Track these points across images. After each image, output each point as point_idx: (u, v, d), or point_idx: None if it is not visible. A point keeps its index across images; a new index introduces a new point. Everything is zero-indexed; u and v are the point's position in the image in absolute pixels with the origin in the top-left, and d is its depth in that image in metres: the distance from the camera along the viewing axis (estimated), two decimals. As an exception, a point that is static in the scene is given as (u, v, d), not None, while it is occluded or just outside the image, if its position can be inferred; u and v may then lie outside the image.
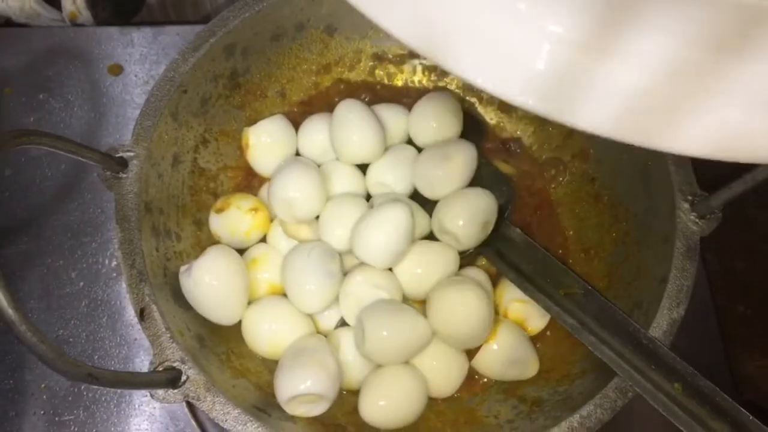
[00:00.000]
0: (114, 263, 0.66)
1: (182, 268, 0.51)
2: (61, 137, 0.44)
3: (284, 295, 0.53)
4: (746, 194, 0.46)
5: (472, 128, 0.61)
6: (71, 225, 0.67)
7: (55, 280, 0.65)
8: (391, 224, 0.50)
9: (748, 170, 0.44)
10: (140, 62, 0.75)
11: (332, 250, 0.53)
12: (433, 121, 0.59)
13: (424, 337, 0.50)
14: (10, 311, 0.33)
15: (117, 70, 0.74)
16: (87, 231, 0.67)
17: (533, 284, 0.52)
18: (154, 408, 0.60)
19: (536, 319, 0.54)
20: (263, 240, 0.57)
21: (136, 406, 0.60)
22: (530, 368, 0.52)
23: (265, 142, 0.58)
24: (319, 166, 0.57)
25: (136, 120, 0.52)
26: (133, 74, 0.74)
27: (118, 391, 0.60)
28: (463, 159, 0.55)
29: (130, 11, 0.82)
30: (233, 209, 0.55)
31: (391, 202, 0.51)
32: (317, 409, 0.48)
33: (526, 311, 0.54)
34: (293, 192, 0.53)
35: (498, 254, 0.55)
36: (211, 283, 0.50)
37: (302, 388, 0.47)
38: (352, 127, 0.56)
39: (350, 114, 0.56)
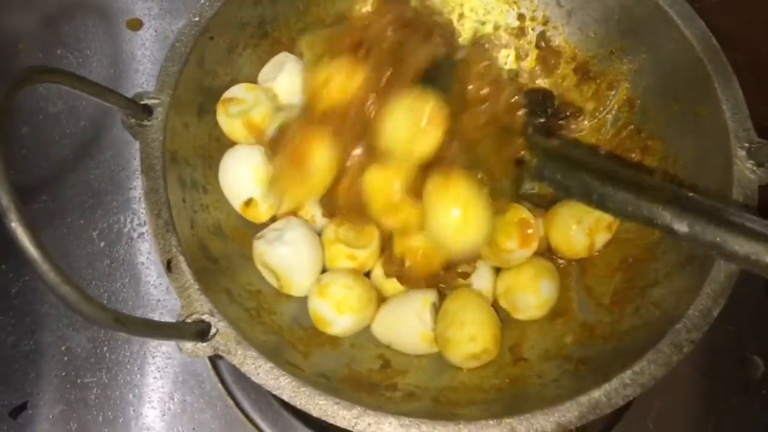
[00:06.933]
0: (136, 222, 0.64)
1: (257, 235, 0.52)
2: (84, 78, 0.42)
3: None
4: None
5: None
6: (91, 183, 0.65)
7: (75, 239, 0.63)
8: None
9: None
10: (160, 17, 0.72)
11: None
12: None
13: None
14: (32, 249, 0.31)
15: (136, 24, 0.71)
16: (108, 189, 0.65)
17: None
18: (178, 369, 0.58)
19: None
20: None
21: (160, 368, 0.58)
22: None
23: None
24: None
25: (160, 66, 0.49)
26: (153, 29, 0.72)
27: (142, 353, 0.58)
28: None
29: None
30: None
31: None
32: None
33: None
34: None
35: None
36: (289, 255, 0.50)
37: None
38: None
39: None
